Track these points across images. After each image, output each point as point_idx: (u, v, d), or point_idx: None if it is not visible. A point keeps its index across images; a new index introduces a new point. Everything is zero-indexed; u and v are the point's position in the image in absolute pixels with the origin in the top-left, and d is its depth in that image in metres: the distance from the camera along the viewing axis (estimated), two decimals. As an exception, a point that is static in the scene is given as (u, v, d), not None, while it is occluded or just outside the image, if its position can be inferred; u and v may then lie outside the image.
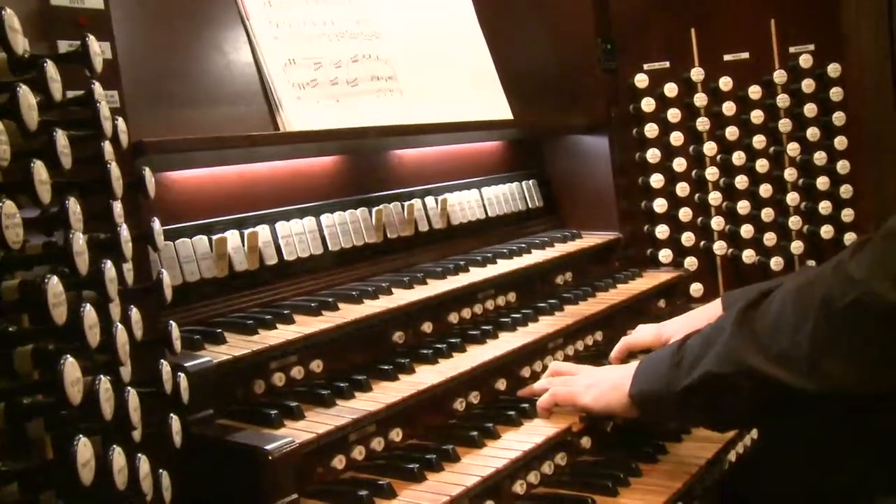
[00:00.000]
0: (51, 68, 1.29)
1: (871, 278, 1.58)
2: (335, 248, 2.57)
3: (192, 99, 2.25)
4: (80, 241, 1.25)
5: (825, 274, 1.69)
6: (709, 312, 2.43)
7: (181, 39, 2.28)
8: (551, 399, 2.22)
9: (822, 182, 3.44)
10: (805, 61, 3.43)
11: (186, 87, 2.25)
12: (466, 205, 3.06)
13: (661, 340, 2.47)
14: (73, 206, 1.31)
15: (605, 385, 2.14)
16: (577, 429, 2.23)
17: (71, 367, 1.13)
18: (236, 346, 2.01)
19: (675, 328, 2.46)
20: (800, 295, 1.70)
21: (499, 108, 3.06)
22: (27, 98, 1.19)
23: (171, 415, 1.60)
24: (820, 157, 3.44)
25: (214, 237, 2.26)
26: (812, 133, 3.43)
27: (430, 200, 2.91)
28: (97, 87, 1.48)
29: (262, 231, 2.38)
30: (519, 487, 2.08)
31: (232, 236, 2.31)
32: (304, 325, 2.16)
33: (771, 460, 2.45)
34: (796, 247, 3.43)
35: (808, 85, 3.43)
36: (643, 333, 2.55)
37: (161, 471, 1.54)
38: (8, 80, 1.24)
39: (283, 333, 2.10)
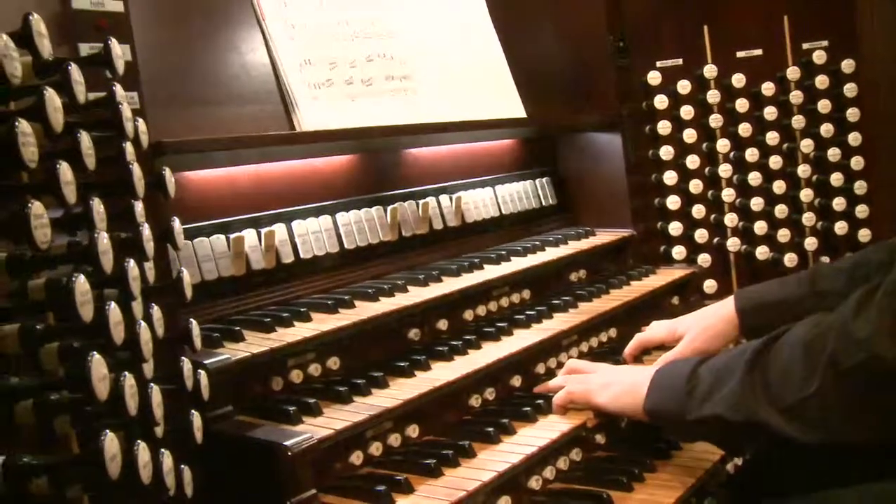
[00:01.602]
0: (75, 71, 1.31)
1: (876, 340, 1.60)
2: (351, 246, 2.59)
3: (209, 99, 2.28)
4: (104, 240, 1.27)
5: (833, 327, 1.70)
6: (722, 310, 2.43)
7: (198, 40, 2.30)
8: (567, 397, 2.23)
9: (836, 178, 3.44)
10: (818, 57, 3.43)
11: (203, 88, 2.27)
12: (481, 203, 3.08)
13: (674, 337, 2.48)
14: (98, 206, 1.34)
15: (620, 387, 2.14)
16: (592, 424, 2.24)
17: (98, 364, 1.16)
18: (255, 344, 2.03)
19: (689, 324, 2.47)
20: (808, 350, 1.71)
21: (512, 107, 3.08)
22: (53, 100, 1.21)
23: (193, 411, 1.63)
24: (834, 154, 3.44)
25: (232, 236, 2.29)
26: (826, 129, 3.43)
27: (444, 199, 2.93)
28: (119, 89, 1.51)
29: (279, 230, 2.41)
30: (534, 483, 2.10)
31: (249, 235, 2.34)
32: (322, 323, 2.18)
33: (785, 456, 2.46)
34: (810, 243, 3.43)
35: (821, 81, 3.42)
36: (657, 330, 2.56)
37: (183, 466, 1.57)
38: (34, 83, 1.27)
39: (300, 331, 2.12)
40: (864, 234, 3.45)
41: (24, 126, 1.12)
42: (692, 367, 1.94)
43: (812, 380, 1.69)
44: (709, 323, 2.43)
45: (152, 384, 1.42)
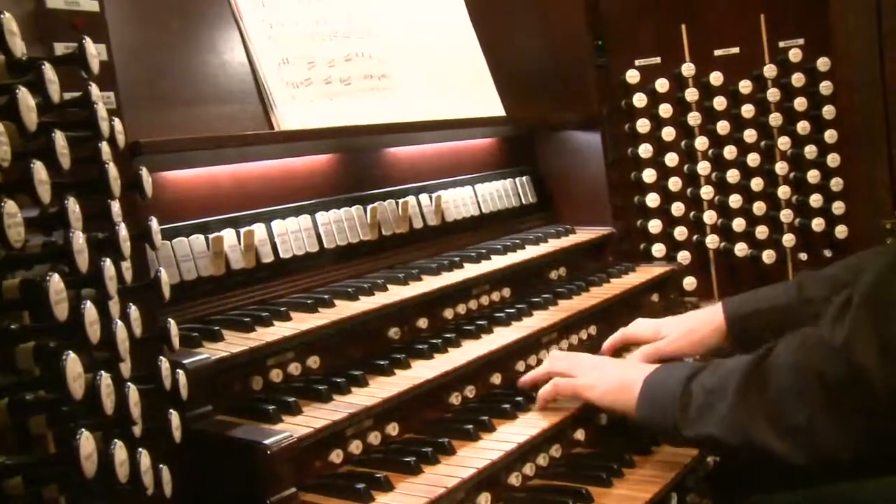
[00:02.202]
0: (49, 70, 1.31)
1: (852, 348, 1.63)
2: (331, 245, 2.59)
3: (187, 99, 2.27)
4: (80, 239, 1.27)
5: (817, 343, 1.72)
6: (710, 317, 2.44)
7: (175, 40, 2.30)
8: (553, 390, 2.23)
9: (813, 175, 3.47)
10: (794, 56, 3.47)
11: (181, 87, 2.27)
12: (461, 201, 3.08)
13: (658, 337, 2.48)
14: (73, 205, 1.33)
15: (611, 385, 2.14)
16: (572, 421, 2.26)
17: (73, 363, 1.16)
18: (234, 344, 2.03)
19: (674, 326, 2.48)
20: (798, 366, 1.73)
21: (491, 105, 3.09)
22: (26, 100, 1.21)
23: (171, 410, 1.62)
24: (810, 151, 3.47)
25: (211, 236, 2.29)
26: (802, 127, 3.47)
27: (424, 197, 2.93)
28: (94, 89, 1.50)
29: (258, 229, 2.41)
30: (514, 479, 2.11)
31: (228, 235, 2.33)
32: (301, 322, 2.18)
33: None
34: (788, 240, 3.46)
35: (797, 79, 3.46)
36: (641, 328, 2.56)
37: (161, 465, 1.56)
38: (6, 82, 1.26)
39: (279, 330, 2.12)
40: (841, 231, 3.49)
41: (-4, 125, 1.12)
42: (683, 382, 1.93)
43: (805, 401, 1.70)
44: (694, 327, 2.44)
45: (129, 383, 1.41)
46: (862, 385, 1.63)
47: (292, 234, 2.50)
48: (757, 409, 1.78)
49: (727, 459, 2.24)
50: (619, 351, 2.59)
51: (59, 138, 1.30)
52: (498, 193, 3.26)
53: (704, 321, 2.44)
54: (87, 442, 1.15)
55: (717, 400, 1.85)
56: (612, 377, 2.16)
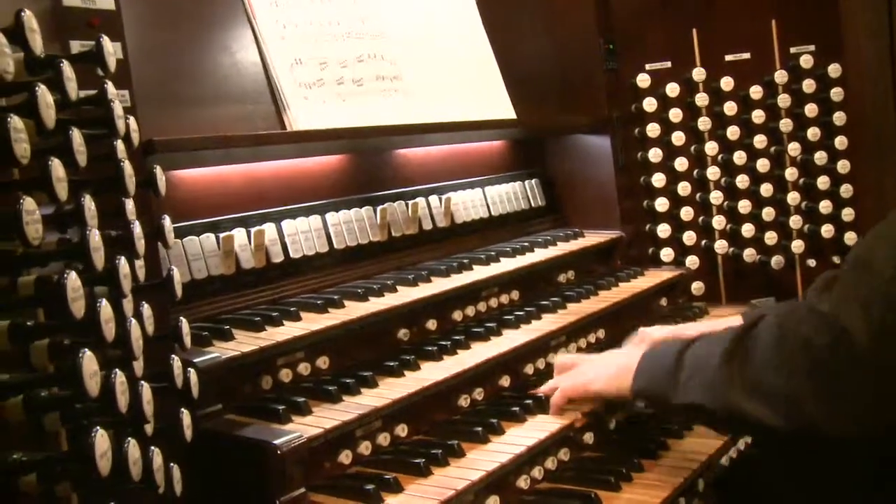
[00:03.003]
0: (67, 68, 1.31)
1: (842, 312, 1.61)
2: (340, 246, 2.59)
3: (200, 98, 2.28)
4: (95, 237, 1.27)
5: (803, 310, 1.71)
6: (723, 325, 2.43)
7: (189, 39, 2.30)
8: (562, 396, 2.24)
9: (823, 181, 3.47)
10: (806, 62, 3.46)
11: (194, 87, 2.27)
12: (470, 203, 3.08)
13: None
14: (89, 203, 1.34)
15: (612, 369, 2.15)
16: (580, 424, 2.26)
17: (89, 361, 1.16)
18: (244, 343, 2.03)
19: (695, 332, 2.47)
20: (781, 336, 1.72)
21: (502, 108, 3.09)
22: (45, 97, 1.21)
23: (182, 409, 1.62)
24: (820, 157, 3.47)
25: (221, 235, 2.29)
26: (813, 133, 3.46)
27: (434, 199, 2.93)
28: (110, 87, 1.51)
29: (269, 229, 2.41)
30: (523, 482, 2.11)
31: (239, 234, 2.34)
32: (311, 322, 2.18)
33: (772, 456, 2.48)
34: (797, 246, 3.45)
35: (808, 85, 3.45)
36: (656, 333, 2.56)
37: (172, 464, 1.57)
38: (26, 79, 1.27)
39: (289, 330, 2.12)
40: (850, 237, 3.47)
41: (16, 122, 1.12)
42: (678, 351, 1.94)
43: (787, 365, 1.69)
44: (705, 330, 2.43)
45: (142, 382, 1.41)
46: (845, 349, 1.60)
47: (302, 234, 2.50)
48: (738, 373, 1.76)
49: (720, 430, 2.20)
50: None
51: (77, 136, 1.30)
52: (507, 196, 3.26)
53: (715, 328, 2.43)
54: (101, 440, 1.15)
55: (704, 367, 1.85)
56: (612, 365, 2.17)
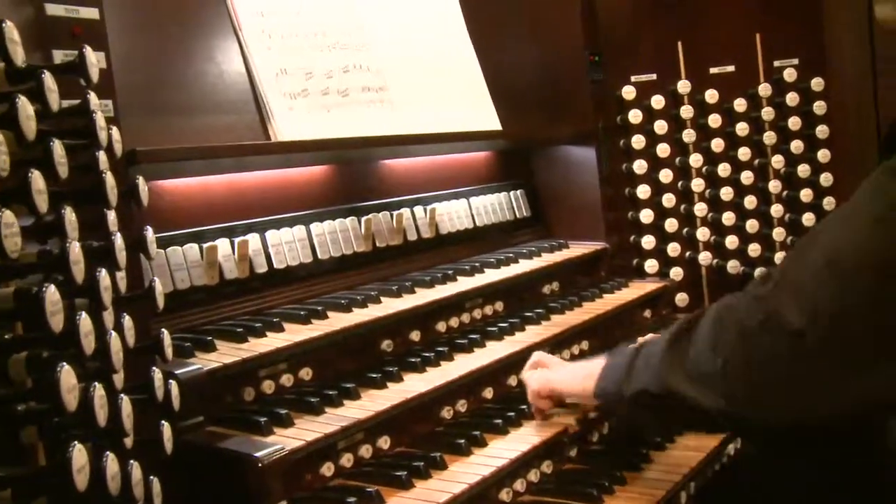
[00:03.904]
0: (49, 79, 1.30)
1: (776, 298, 1.60)
2: (325, 256, 2.59)
3: (185, 108, 2.27)
4: (76, 249, 1.26)
5: (743, 297, 1.71)
6: None
7: (174, 49, 2.29)
8: (533, 395, 2.26)
9: (806, 194, 3.49)
10: (789, 75, 3.49)
11: (179, 96, 2.26)
12: (455, 214, 3.08)
13: None
14: (70, 214, 1.33)
15: (579, 371, 2.16)
16: (574, 431, 2.27)
17: (67, 375, 1.15)
18: (226, 354, 2.02)
19: None
20: (718, 317, 1.72)
21: (488, 119, 3.10)
22: (26, 108, 1.20)
23: (163, 422, 1.61)
24: (804, 170, 3.49)
25: (205, 245, 2.28)
26: (796, 146, 3.49)
27: (418, 210, 2.93)
28: (93, 97, 1.50)
29: (253, 239, 2.40)
30: (505, 495, 2.10)
31: (222, 244, 2.32)
32: (294, 334, 2.17)
33: (754, 469, 2.49)
34: (780, 258, 3.47)
35: (792, 98, 3.48)
36: None
37: (152, 477, 1.55)
38: (6, 90, 1.26)
39: (272, 341, 2.11)
40: (833, 250, 3.49)
41: (-5, 135, 1.12)
42: (636, 348, 1.96)
43: (720, 346, 1.68)
44: None
45: (122, 395, 1.40)
46: (775, 328, 1.58)
47: (287, 245, 2.49)
48: (678, 357, 1.77)
49: (663, 421, 2.18)
50: None
51: (58, 147, 1.29)
52: (492, 207, 3.26)
53: None
54: (79, 454, 1.14)
55: (651, 355, 1.87)
56: (578, 368, 2.20)
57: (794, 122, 3.48)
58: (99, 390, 1.25)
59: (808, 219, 3.49)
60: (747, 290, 1.72)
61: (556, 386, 2.23)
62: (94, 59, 1.50)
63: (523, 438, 2.19)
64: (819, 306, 1.54)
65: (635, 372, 1.90)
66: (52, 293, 1.15)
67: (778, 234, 3.47)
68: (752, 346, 1.63)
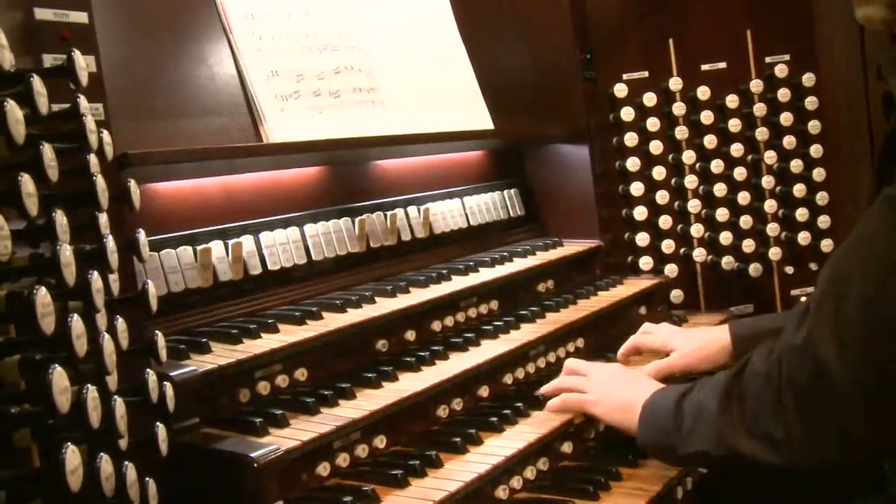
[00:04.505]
0: (37, 83, 1.31)
1: (816, 346, 1.67)
2: (319, 257, 2.59)
3: (176, 111, 2.27)
4: (67, 252, 1.27)
5: (785, 349, 1.76)
6: (718, 336, 2.51)
7: (165, 52, 2.30)
8: (562, 406, 2.28)
9: (799, 189, 3.50)
10: (780, 71, 3.50)
11: (170, 99, 2.27)
12: (449, 214, 3.09)
13: (667, 348, 2.55)
14: (60, 218, 1.33)
15: (615, 404, 2.20)
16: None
17: (59, 377, 1.15)
18: (221, 356, 2.02)
19: (683, 342, 2.53)
20: (768, 378, 1.78)
21: (480, 119, 3.10)
22: (14, 112, 1.21)
23: (158, 423, 1.62)
24: (796, 165, 3.50)
25: (199, 248, 2.28)
26: (788, 141, 3.49)
27: (412, 210, 2.94)
28: (83, 101, 1.50)
29: (246, 241, 2.40)
30: (501, 492, 2.11)
31: (216, 247, 2.33)
32: (288, 335, 2.18)
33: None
34: (774, 253, 3.48)
35: (783, 94, 3.49)
36: (653, 338, 2.62)
37: (147, 478, 1.56)
38: (-7, 95, 1.26)
39: (267, 343, 2.12)
40: (827, 245, 3.51)
41: (-17, 139, 1.12)
42: (675, 402, 2.00)
43: (776, 406, 1.75)
44: (703, 344, 2.51)
45: (116, 396, 1.41)
46: (823, 381, 1.66)
47: (280, 246, 2.50)
48: (738, 421, 1.83)
49: (727, 470, 2.27)
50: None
51: (48, 151, 1.30)
52: (486, 206, 3.27)
53: (713, 340, 2.51)
54: (72, 456, 1.15)
55: (703, 416, 1.91)
56: (616, 396, 2.21)
57: (785, 118, 3.48)
58: (92, 392, 1.25)
59: (801, 214, 3.50)
60: (786, 338, 1.76)
61: (592, 410, 2.25)
62: (83, 63, 1.50)
63: (519, 436, 2.20)
64: (859, 351, 1.62)
65: (686, 431, 1.94)
66: (42, 296, 1.16)
67: (772, 229, 3.48)
68: (805, 401, 1.71)
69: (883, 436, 1.72)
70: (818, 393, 1.68)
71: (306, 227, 2.58)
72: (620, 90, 3.43)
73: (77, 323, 1.24)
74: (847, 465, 1.86)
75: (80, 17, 1.79)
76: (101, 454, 1.26)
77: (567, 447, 2.34)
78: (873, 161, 1.77)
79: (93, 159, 1.52)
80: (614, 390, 2.25)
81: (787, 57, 3.51)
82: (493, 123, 3.13)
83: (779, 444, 1.76)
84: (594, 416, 2.26)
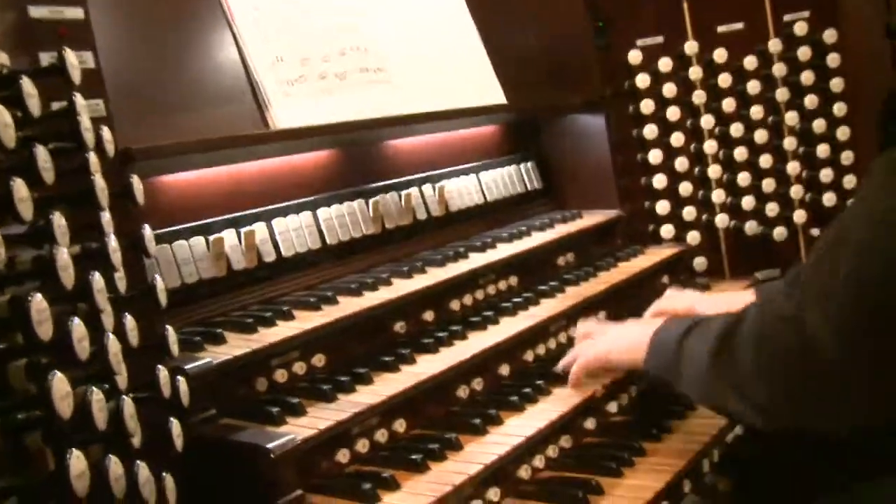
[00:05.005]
0: (27, 84, 1.30)
1: (807, 318, 1.62)
2: (333, 241, 2.57)
3: (181, 102, 2.25)
4: (64, 255, 1.26)
5: (776, 317, 1.72)
6: (742, 299, 2.38)
7: (167, 43, 2.27)
8: (581, 369, 2.26)
9: (823, 150, 3.42)
10: (800, 28, 3.40)
11: (174, 91, 2.24)
12: (465, 190, 3.06)
13: (692, 313, 2.48)
14: (59, 220, 1.32)
15: (627, 341, 2.18)
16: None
17: (59, 383, 1.15)
18: (237, 346, 2.02)
19: (708, 307, 2.44)
20: (758, 340, 1.74)
21: (491, 91, 3.05)
22: (2, 117, 1.19)
23: (171, 418, 1.62)
24: (819, 125, 3.41)
25: (211, 237, 2.27)
26: (810, 101, 3.40)
27: (427, 188, 2.91)
28: (78, 99, 1.49)
29: (259, 228, 2.39)
30: (524, 472, 2.09)
31: (229, 235, 2.31)
32: (304, 321, 2.16)
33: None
34: (799, 216, 3.41)
35: (804, 53, 3.39)
36: (677, 303, 2.57)
37: (164, 474, 1.56)
38: (-15, 100, 1.25)
39: (282, 330, 2.11)
40: (853, 205, 3.42)
41: (-29, 147, 1.11)
42: (679, 339, 1.97)
43: (765, 373, 1.72)
44: (727, 309, 2.43)
45: (124, 396, 1.40)
46: (813, 355, 1.61)
47: (294, 232, 2.48)
48: (724, 376, 1.81)
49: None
50: None
51: (41, 153, 1.29)
52: (503, 180, 3.23)
53: (738, 304, 2.41)
54: (77, 461, 1.14)
55: (694, 364, 1.89)
56: (628, 336, 2.20)
57: (806, 77, 3.39)
58: (97, 394, 1.25)
59: (825, 175, 3.42)
60: (779, 303, 1.73)
61: (609, 357, 2.23)
62: (76, 61, 1.49)
63: (541, 414, 2.18)
64: (848, 324, 1.56)
65: (683, 372, 1.93)
66: (38, 302, 1.15)
67: (795, 191, 3.40)
68: (794, 372, 1.67)
69: (871, 409, 1.66)
70: (805, 363, 1.63)
71: (319, 210, 2.56)
72: (635, 57, 3.35)
73: (78, 326, 1.23)
74: (832, 436, 1.81)
75: (76, 12, 1.76)
76: (110, 456, 1.26)
77: (590, 423, 2.32)
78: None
79: (92, 157, 1.51)
80: (626, 332, 2.25)
81: (806, 13, 3.41)
82: (506, 96, 3.08)
83: (762, 409, 1.75)
84: (610, 363, 2.23)
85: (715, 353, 1.82)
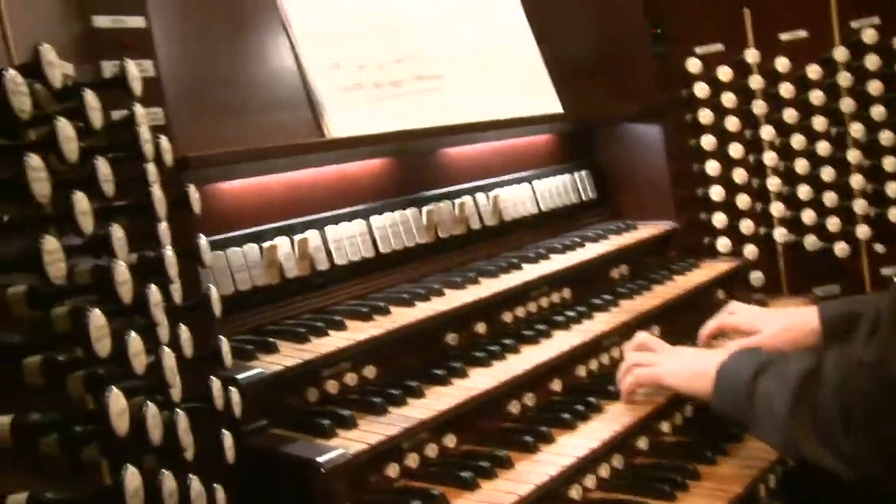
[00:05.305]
0: (90, 97, 1.30)
1: (889, 368, 1.66)
2: (386, 250, 2.55)
3: (237, 108, 2.25)
4: (122, 270, 1.25)
5: (855, 365, 1.74)
6: (807, 318, 2.41)
7: (224, 49, 2.27)
8: (635, 383, 2.25)
9: (890, 163, 3.30)
10: (868, 36, 3.29)
11: (231, 97, 2.24)
12: (519, 200, 3.02)
13: (755, 330, 2.47)
14: (117, 231, 1.32)
15: (691, 371, 2.17)
16: (640, 426, 2.24)
17: (116, 399, 1.14)
18: (289, 356, 2.01)
19: (771, 323, 2.46)
20: (840, 393, 1.76)
21: (547, 99, 3.01)
22: (65, 130, 1.19)
23: (223, 430, 1.61)
24: (887, 137, 3.30)
25: (265, 245, 2.27)
26: (877, 112, 3.29)
27: (481, 197, 2.88)
28: (138, 110, 1.49)
29: (312, 236, 2.38)
30: (575, 493, 2.05)
31: (282, 243, 2.31)
32: (356, 332, 2.15)
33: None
34: (862, 231, 3.31)
35: (872, 61, 3.28)
36: (741, 319, 2.54)
37: (216, 486, 1.55)
38: (48, 111, 1.25)
39: (334, 341, 2.09)
40: (922, 219, 3.31)
41: (33, 161, 1.11)
42: (750, 381, 1.96)
43: (849, 424, 1.74)
44: (791, 326, 2.43)
45: (179, 409, 1.40)
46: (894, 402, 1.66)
47: (347, 240, 2.47)
48: (808, 428, 1.83)
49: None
50: (715, 339, 2.57)
51: (102, 166, 1.29)
52: (557, 190, 3.18)
53: (801, 322, 2.42)
54: (132, 478, 1.14)
55: (772, 410, 1.90)
56: (690, 364, 2.19)
57: (874, 87, 3.27)
58: (151, 409, 1.24)
59: (892, 189, 3.30)
60: (856, 353, 1.75)
61: (666, 380, 2.23)
62: (136, 72, 1.48)
63: (593, 433, 2.14)
64: None
65: (760, 415, 1.94)
66: (96, 317, 1.14)
67: (859, 206, 3.30)
68: (878, 423, 1.71)
69: None
70: (888, 414, 1.67)
71: (373, 218, 2.54)
72: (693, 65, 3.29)
73: (135, 341, 1.23)
74: None
75: (138, 21, 1.77)
76: (163, 470, 1.25)
77: (642, 443, 2.27)
78: None
79: (150, 169, 1.50)
80: (688, 358, 2.24)
81: (875, 20, 3.31)
82: (561, 102, 3.04)
83: (847, 458, 1.77)
84: (668, 386, 2.22)
85: (795, 401, 1.83)
